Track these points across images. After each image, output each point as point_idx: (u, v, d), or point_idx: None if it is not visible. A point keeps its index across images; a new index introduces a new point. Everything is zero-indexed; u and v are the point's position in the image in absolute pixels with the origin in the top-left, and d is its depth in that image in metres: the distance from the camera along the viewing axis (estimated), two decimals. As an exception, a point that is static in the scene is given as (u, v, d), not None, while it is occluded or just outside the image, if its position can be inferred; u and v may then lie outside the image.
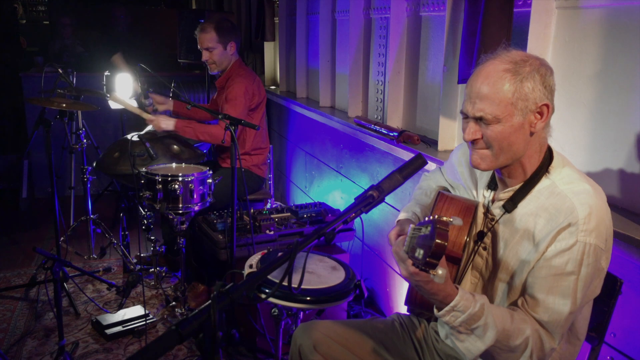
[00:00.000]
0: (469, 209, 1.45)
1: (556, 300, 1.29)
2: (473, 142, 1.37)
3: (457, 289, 1.26)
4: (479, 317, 1.25)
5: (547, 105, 1.31)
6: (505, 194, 1.43)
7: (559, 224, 1.30)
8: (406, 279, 1.25)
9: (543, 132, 1.36)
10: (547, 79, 1.31)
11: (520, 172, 1.40)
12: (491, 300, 1.47)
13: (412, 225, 1.22)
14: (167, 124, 3.08)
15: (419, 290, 1.26)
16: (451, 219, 1.10)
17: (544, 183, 1.38)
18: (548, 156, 1.39)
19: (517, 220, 1.40)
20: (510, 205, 1.41)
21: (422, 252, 1.10)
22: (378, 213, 3.02)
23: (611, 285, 1.47)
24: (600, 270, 1.33)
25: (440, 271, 1.11)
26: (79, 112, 3.80)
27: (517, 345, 1.27)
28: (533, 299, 1.32)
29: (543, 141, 1.38)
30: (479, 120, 1.33)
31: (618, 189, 1.78)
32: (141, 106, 3.49)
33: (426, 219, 1.14)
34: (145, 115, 3.10)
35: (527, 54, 1.35)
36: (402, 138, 2.65)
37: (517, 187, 1.41)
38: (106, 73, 3.95)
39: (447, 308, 1.25)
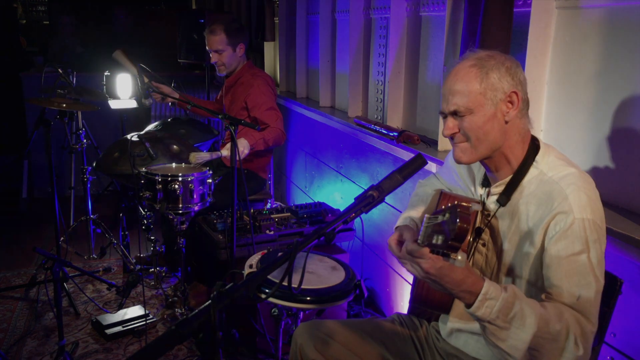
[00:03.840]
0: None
1: (578, 282, 1.27)
2: (453, 138, 1.43)
3: (483, 277, 1.24)
4: (513, 302, 1.20)
5: (515, 93, 1.37)
6: (498, 188, 1.46)
7: (551, 209, 1.32)
8: (426, 278, 1.21)
9: (521, 122, 1.41)
10: (514, 71, 1.38)
11: (505, 163, 1.43)
12: None
13: (427, 215, 1.19)
14: (244, 145, 2.92)
15: (442, 284, 1.20)
16: (470, 205, 1.09)
17: (532, 173, 1.41)
18: (533, 146, 1.43)
19: (512, 212, 1.43)
20: (504, 198, 1.43)
21: (441, 237, 1.09)
22: (378, 213, 3.02)
23: (611, 285, 1.47)
24: (603, 251, 1.33)
25: (460, 256, 1.10)
26: (79, 112, 3.80)
27: (558, 331, 1.21)
28: (555, 288, 1.29)
29: (524, 132, 1.42)
30: (454, 114, 1.40)
31: (617, 189, 1.78)
32: (141, 106, 3.50)
33: (442, 207, 1.13)
34: (224, 153, 2.87)
35: (493, 52, 1.42)
36: (402, 138, 2.65)
37: (507, 179, 1.44)
38: (106, 73, 3.95)
39: (480, 298, 1.20)
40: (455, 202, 1.09)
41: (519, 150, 1.42)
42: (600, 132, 1.82)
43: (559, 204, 1.31)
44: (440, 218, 1.11)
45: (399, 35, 2.86)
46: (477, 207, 1.12)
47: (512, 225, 1.43)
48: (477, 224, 1.49)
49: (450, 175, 1.73)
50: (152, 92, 3.27)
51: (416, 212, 1.72)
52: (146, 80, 3.12)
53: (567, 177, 1.35)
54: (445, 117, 1.44)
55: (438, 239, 1.10)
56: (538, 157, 1.41)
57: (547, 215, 1.32)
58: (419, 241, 1.19)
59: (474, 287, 1.21)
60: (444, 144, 2.53)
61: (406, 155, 2.64)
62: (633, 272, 1.61)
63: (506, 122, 1.39)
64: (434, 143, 2.61)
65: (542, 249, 1.34)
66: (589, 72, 1.83)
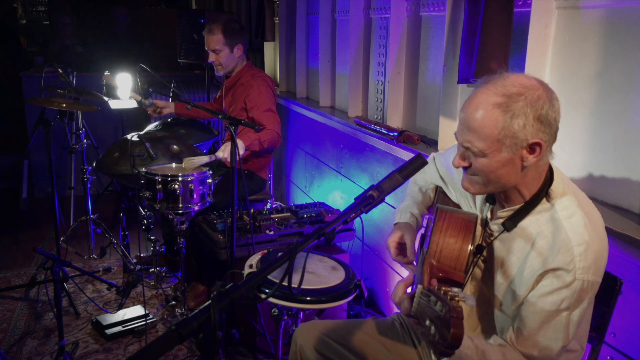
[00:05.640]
0: (469, 226, 1.40)
1: (548, 335, 1.27)
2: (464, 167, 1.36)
3: None
4: None
5: (539, 144, 1.25)
6: (505, 213, 1.40)
7: (554, 259, 1.27)
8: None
9: (541, 162, 1.31)
10: (545, 112, 1.24)
11: (517, 195, 1.36)
12: (493, 310, 1.45)
13: (419, 287, 1.18)
14: (239, 147, 2.85)
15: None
16: (464, 299, 1.08)
17: (544, 205, 1.34)
18: (549, 176, 1.35)
19: (515, 240, 1.38)
20: (510, 224, 1.37)
21: (434, 332, 1.08)
22: (378, 213, 3.02)
23: (611, 285, 1.47)
24: (591, 303, 1.33)
25: (456, 351, 1.09)
26: (79, 112, 3.81)
27: None
28: (523, 334, 1.30)
29: (542, 168, 1.34)
30: (467, 149, 1.31)
31: (618, 189, 1.78)
32: (141, 107, 3.50)
33: (436, 288, 1.12)
34: (220, 154, 2.80)
35: (526, 83, 1.26)
36: (402, 138, 2.65)
37: (517, 207, 1.37)
38: (106, 73, 3.95)
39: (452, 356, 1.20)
40: (449, 298, 1.07)
41: (533, 185, 1.34)
42: (600, 132, 1.81)
43: (563, 259, 1.25)
44: (432, 301, 1.11)
45: (399, 35, 2.86)
46: (471, 303, 1.11)
47: (511, 254, 1.38)
48: (479, 241, 1.46)
49: (450, 172, 1.69)
50: (151, 93, 3.28)
51: (415, 207, 1.71)
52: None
53: (578, 228, 1.26)
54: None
55: (431, 330, 1.09)
56: (551, 190, 1.34)
57: (549, 265, 1.27)
58: (412, 311, 1.21)
59: None
60: (444, 143, 2.53)
61: (406, 155, 2.64)
62: (633, 272, 1.61)
63: (523, 168, 1.29)
64: (434, 143, 2.61)
65: (532, 289, 1.30)
66: (589, 72, 1.83)
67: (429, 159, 1.80)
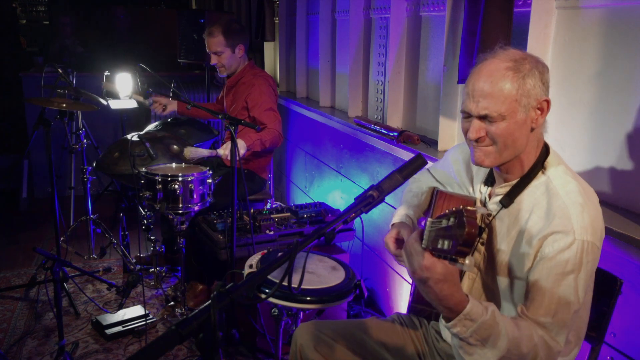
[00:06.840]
0: (468, 204, 1.45)
1: (558, 300, 1.27)
2: (477, 140, 1.38)
3: (468, 296, 1.22)
4: (490, 325, 1.21)
5: (547, 101, 1.35)
6: (502, 189, 1.44)
7: (551, 224, 1.30)
8: (416, 277, 1.20)
9: (541, 128, 1.39)
10: (545, 76, 1.35)
11: (519, 167, 1.42)
12: (493, 294, 1.47)
13: (429, 219, 1.20)
14: (241, 146, 2.89)
15: (428, 293, 1.20)
16: (476, 209, 1.08)
17: (540, 178, 1.40)
18: (544, 151, 1.42)
19: (513, 215, 1.41)
20: (507, 200, 1.42)
21: (449, 242, 1.08)
22: (378, 213, 3.02)
23: (611, 285, 1.47)
24: (595, 269, 1.33)
25: (467, 260, 1.08)
26: (79, 112, 3.81)
27: (526, 354, 1.24)
28: (534, 303, 1.29)
29: (540, 137, 1.42)
30: (483, 118, 1.35)
31: (618, 189, 1.78)
32: (141, 106, 3.50)
33: (447, 211, 1.12)
34: (221, 152, 2.84)
35: (524, 52, 1.38)
36: (402, 138, 2.65)
37: (514, 182, 1.42)
38: (106, 73, 3.95)
39: (459, 317, 1.20)
40: (461, 207, 1.08)
41: (532, 155, 1.41)
42: (600, 132, 1.82)
43: (561, 222, 1.29)
44: (444, 222, 1.10)
45: (399, 35, 2.86)
46: (482, 211, 1.10)
47: (512, 229, 1.41)
48: (478, 224, 1.49)
49: (449, 170, 1.72)
50: (151, 93, 3.28)
51: (411, 209, 1.72)
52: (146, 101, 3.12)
53: (572, 194, 1.32)
54: (467, 116, 1.38)
55: (444, 244, 1.09)
56: (547, 163, 1.40)
57: (546, 229, 1.30)
58: (423, 245, 1.18)
59: (456, 306, 1.20)
60: (444, 143, 2.53)
61: (406, 155, 2.64)
62: (633, 272, 1.61)
63: (532, 129, 1.36)
64: (434, 143, 2.61)
65: (535, 258, 1.32)
66: (589, 72, 1.83)
67: (423, 172, 1.85)
